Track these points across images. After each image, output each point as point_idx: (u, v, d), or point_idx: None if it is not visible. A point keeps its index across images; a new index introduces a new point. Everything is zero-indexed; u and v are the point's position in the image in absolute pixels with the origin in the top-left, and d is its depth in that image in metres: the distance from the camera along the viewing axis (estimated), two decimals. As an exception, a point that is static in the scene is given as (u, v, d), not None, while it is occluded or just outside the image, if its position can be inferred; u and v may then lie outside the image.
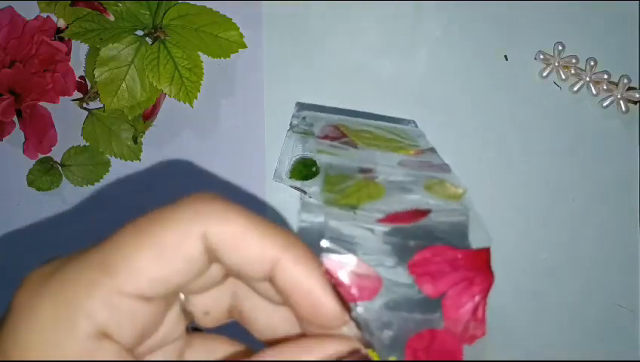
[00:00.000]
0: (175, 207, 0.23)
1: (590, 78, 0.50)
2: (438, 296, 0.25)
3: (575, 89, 0.50)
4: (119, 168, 0.52)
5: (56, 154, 0.51)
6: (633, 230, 0.50)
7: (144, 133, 0.51)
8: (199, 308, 0.25)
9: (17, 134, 0.51)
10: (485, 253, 0.26)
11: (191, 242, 0.22)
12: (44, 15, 0.50)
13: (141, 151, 0.51)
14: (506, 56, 0.51)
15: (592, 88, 0.50)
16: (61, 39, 0.50)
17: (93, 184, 0.52)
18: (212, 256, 0.23)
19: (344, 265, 0.24)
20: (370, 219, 0.27)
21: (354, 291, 0.23)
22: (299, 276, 0.22)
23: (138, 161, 0.51)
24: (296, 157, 0.42)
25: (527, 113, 0.51)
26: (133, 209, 0.56)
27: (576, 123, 0.50)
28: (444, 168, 0.33)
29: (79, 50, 0.52)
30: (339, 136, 0.36)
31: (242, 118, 0.52)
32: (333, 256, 0.23)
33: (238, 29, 0.49)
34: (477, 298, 0.26)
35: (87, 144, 0.51)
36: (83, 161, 0.51)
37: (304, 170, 0.43)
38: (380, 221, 0.27)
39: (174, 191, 0.54)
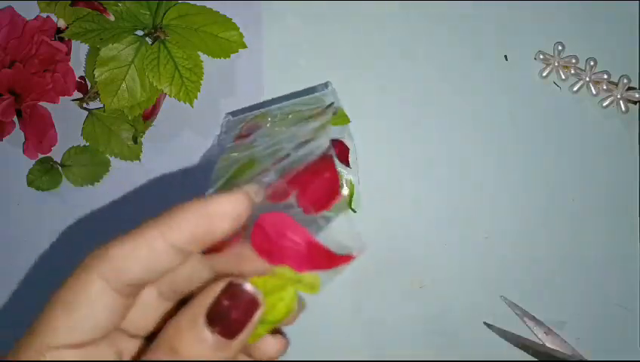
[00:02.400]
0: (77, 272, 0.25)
1: (590, 78, 0.50)
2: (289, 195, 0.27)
3: (575, 89, 0.50)
4: (119, 168, 0.52)
5: (56, 154, 0.51)
6: (633, 230, 0.50)
7: (144, 133, 0.51)
8: None
9: (17, 134, 0.51)
10: (330, 156, 0.28)
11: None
12: (44, 15, 0.50)
13: (141, 151, 0.51)
14: (506, 56, 0.51)
15: (592, 88, 0.50)
16: (61, 39, 0.50)
17: (93, 184, 0.52)
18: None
19: None
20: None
21: None
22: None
23: (138, 161, 0.51)
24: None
25: (527, 113, 0.51)
26: (133, 209, 0.56)
27: (576, 123, 0.50)
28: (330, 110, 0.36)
29: (79, 50, 0.52)
30: (253, 129, 0.38)
31: (242, 118, 0.52)
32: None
33: (238, 29, 0.49)
34: (326, 177, 0.27)
35: (87, 144, 0.51)
36: (83, 161, 0.51)
37: None
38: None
39: (174, 191, 0.55)
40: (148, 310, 0.27)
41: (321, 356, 0.49)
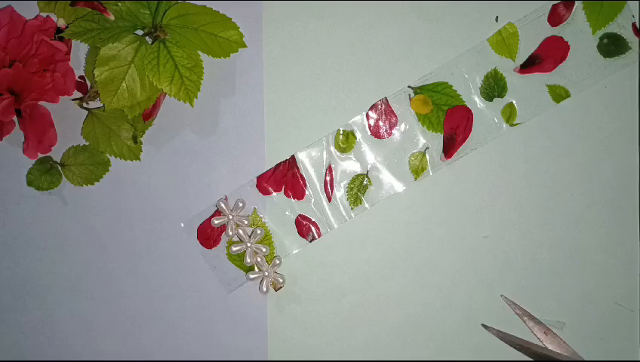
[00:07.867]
0: None
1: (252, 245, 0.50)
2: None
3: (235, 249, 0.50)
4: (119, 168, 0.52)
5: (56, 154, 0.51)
6: (633, 230, 0.50)
7: (144, 133, 0.51)
8: None
9: (17, 134, 0.51)
10: None
11: None
12: (44, 15, 0.50)
13: (141, 151, 0.51)
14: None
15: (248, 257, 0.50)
16: (61, 39, 0.50)
17: (93, 184, 0.52)
18: None
19: None
20: None
21: None
22: None
23: (138, 160, 0.51)
24: None
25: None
26: (133, 209, 0.56)
27: (576, 123, 0.50)
28: None
29: (79, 50, 0.52)
30: None
31: (242, 118, 0.52)
32: None
33: (238, 28, 0.49)
34: None
35: (87, 144, 0.51)
36: (83, 161, 0.51)
37: None
38: None
39: (174, 191, 0.55)
40: None
41: (321, 355, 0.49)
